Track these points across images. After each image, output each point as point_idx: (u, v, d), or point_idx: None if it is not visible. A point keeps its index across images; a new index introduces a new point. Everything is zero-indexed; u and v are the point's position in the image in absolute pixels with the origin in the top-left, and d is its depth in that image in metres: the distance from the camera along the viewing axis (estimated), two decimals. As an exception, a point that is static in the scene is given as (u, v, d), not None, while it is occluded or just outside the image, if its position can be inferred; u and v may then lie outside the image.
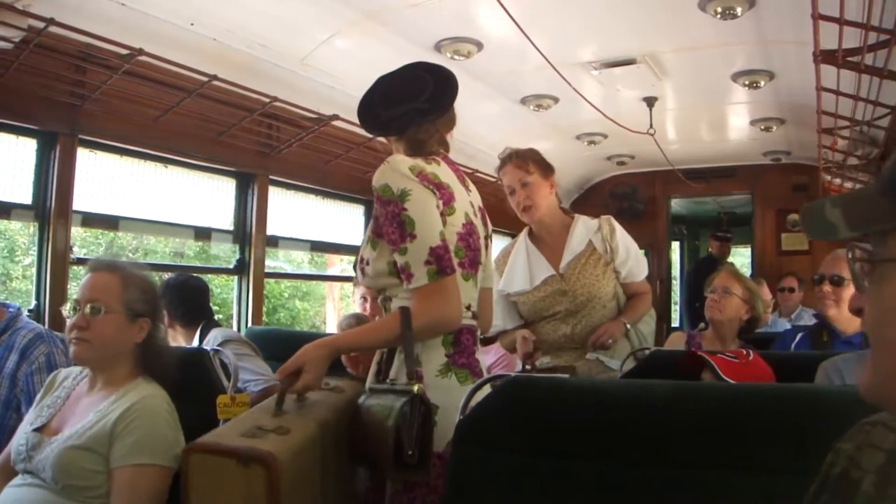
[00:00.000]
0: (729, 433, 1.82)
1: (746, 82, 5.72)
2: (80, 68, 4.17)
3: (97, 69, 4.16)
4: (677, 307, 9.72)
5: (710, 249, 9.51)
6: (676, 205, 10.17)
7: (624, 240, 4.04)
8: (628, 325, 3.98)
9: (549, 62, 4.83)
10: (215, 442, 2.09)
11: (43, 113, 4.16)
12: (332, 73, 5.15)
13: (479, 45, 5.06)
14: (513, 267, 4.13)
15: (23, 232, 8.16)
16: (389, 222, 2.43)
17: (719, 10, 4.37)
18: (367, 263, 2.57)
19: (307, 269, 9.51)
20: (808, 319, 6.93)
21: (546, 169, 3.96)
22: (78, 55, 4.05)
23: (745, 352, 3.05)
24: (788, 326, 6.16)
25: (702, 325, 4.49)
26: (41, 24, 3.62)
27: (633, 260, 4.04)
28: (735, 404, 1.88)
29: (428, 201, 2.47)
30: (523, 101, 6.36)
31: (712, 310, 4.26)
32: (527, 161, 3.89)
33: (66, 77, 4.14)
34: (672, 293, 9.89)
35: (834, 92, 4.38)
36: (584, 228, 4.03)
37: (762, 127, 7.16)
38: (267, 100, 4.88)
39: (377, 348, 2.63)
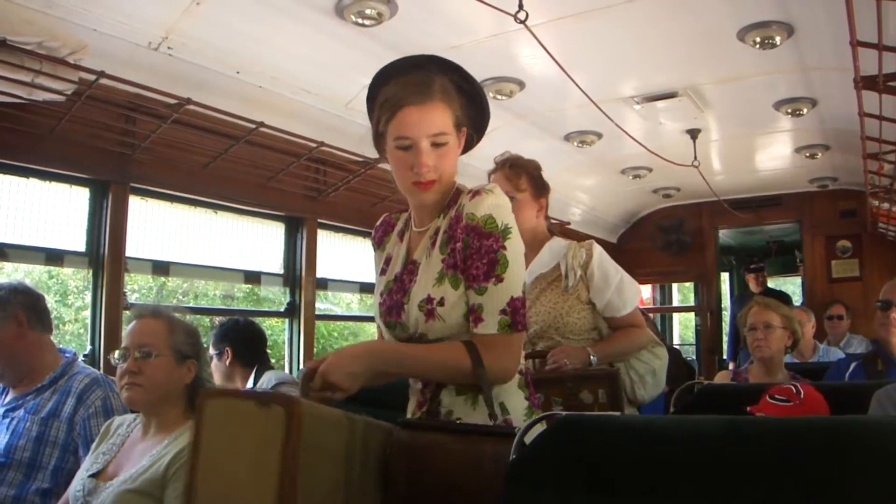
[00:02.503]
0: (781, 468, 1.80)
1: (789, 110, 5.69)
2: (130, 118, 4.26)
3: (147, 119, 4.25)
4: (727, 338, 9.63)
5: (747, 283, 9.40)
6: (724, 235, 10.10)
7: (603, 267, 3.63)
8: (593, 357, 3.53)
9: (590, 99, 4.84)
10: (233, 388, 1.98)
11: (95, 162, 4.26)
12: (378, 116, 5.15)
13: (521, 85, 5.10)
14: None
15: (75, 276, 8.30)
16: (480, 257, 2.20)
17: (758, 40, 4.36)
18: (443, 304, 2.25)
19: (356, 311, 9.49)
20: (856, 346, 6.86)
21: (540, 188, 3.74)
22: (128, 105, 4.14)
23: (793, 388, 2.99)
24: (841, 355, 6.08)
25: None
26: (92, 77, 3.70)
27: (613, 291, 3.62)
28: (786, 439, 1.86)
29: (521, 247, 2.29)
30: (567, 137, 6.38)
31: (759, 349, 4.20)
32: (520, 175, 3.67)
33: (117, 127, 4.24)
34: (722, 325, 9.77)
35: (877, 117, 4.36)
36: (549, 251, 3.72)
37: (807, 154, 7.10)
38: (314, 144, 4.94)
39: (432, 378, 2.33)
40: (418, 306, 2.27)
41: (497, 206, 2.23)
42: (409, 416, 2.41)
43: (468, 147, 2.44)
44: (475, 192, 2.25)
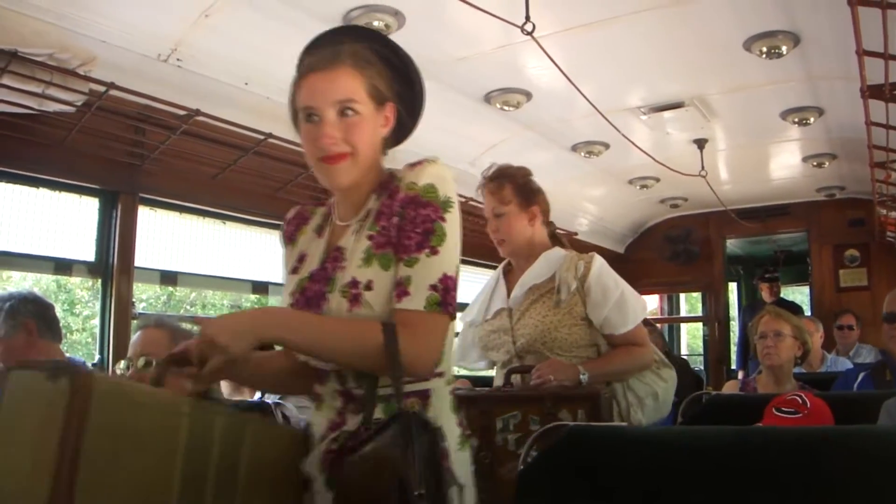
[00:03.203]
0: (789, 477, 1.81)
1: (796, 119, 5.70)
2: (140, 129, 4.29)
3: (156, 130, 4.28)
4: (736, 348, 9.61)
5: (760, 292, 9.38)
6: (732, 245, 10.08)
7: (602, 281, 3.41)
8: (584, 375, 3.26)
9: (597, 109, 4.86)
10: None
11: (104, 173, 4.30)
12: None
13: (528, 95, 5.11)
14: (477, 296, 3.76)
15: (82, 286, 8.34)
16: (414, 227, 1.95)
17: (764, 49, 4.38)
18: (370, 288, 1.94)
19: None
20: (866, 356, 6.85)
21: (527, 196, 3.53)
22: (137, 117, 4.17)
23: (799, 399, 2.98)
24: (849, 364, 6.08)
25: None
26: (102, 88, 3.74)
27: (612, 306, 3.38)
28: (795, 448, 1.87)
29: (458, 225, 2.02)
30: (574, 148, 6.38)
31: (768, 356, 4.20)
32: (503, 187, 3.48)
33: (126, 138, 4.27)
34: (731, 335, 9.77)
35: (884, 126, 4.37)
36: (546, 261, 3.50)
37: (814, 163, 7.11)
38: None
39: (330, 356, 1.96)
40: (341, 292, 1.95)
41: (440, 176, 2.02)
42: (317, 437, 2.03)
43: (403, 132, 2.22)
44: (416, 163, 2.04)
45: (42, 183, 4.21)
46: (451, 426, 2.01)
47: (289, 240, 2.28)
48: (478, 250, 4.87)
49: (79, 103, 3.74)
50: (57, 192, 4.28)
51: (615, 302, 3.39)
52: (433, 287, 1.92)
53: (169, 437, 1.65)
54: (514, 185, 3.52)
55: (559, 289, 3.41)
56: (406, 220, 1.97)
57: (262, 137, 4.51)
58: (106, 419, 1.46)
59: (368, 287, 1.94)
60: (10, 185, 4.13)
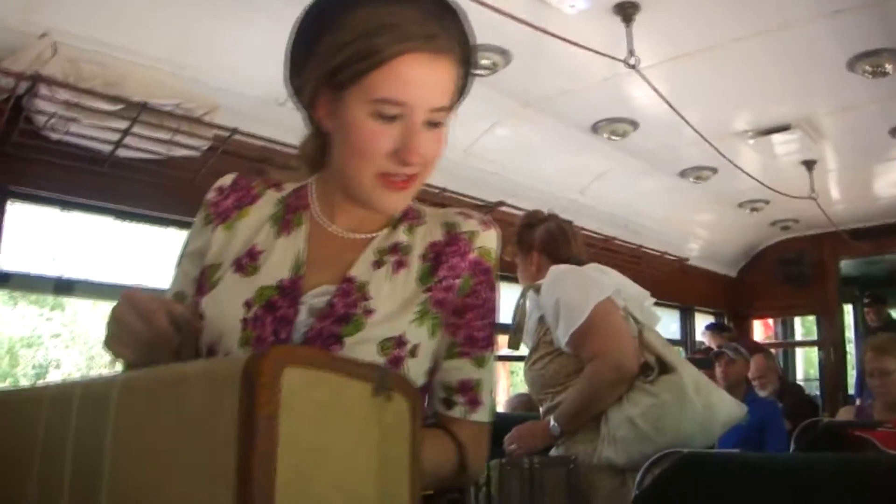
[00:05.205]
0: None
1: (905, 137, 5.64)
2: (261, 170, 4.47)
3: (276, 170, 4.46)
4: (854, 372, 9.39)
5: (866, 318, 9.16)
6: (846, 266, 9.89)
7: (546, 295, 3.05)
8: (554, 428, 2.91)
9: (702, 137, 4.94)
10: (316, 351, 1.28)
11: (230, 212, 4.48)
12: (495, 160, 5.33)
13: (635, 125, 5.22)
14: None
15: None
16: (485, 315, 1.57)
17: (868, 69, 4.39)
18: (415, 354, 1.50)
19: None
20: None
21: (525, 242, 3.38)
22: (258, 158, 4.35)
23: None
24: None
25: None
26: (226, 134, 3.93)
27: (552, 320, 2.99)
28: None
29: None
30: (682, 174, 6.43)
31: (879, 395, 4.17)
32: (505, 245, 2.57)
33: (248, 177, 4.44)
34: (848, 357, 9.57)
35: None
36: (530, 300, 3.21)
37: (926, 180, 6.99)
38: (437, 190, 5.10)
39: None
40: (381, 347, 1.45)
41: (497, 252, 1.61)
42: None
43: None
44: (486, 221, 1.61)
45: (170, 223, 4.40)
46: None
47: (220, 217, 1.64)
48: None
49: (204, 148, 3.94)
50: (183, 230, 4.49)
51: (553, 313, 3.01)
52: (492, 392, 1.58)
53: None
54: (514, 242, 3.41)
55: (524, 325, 3.16)
56: (474, 296, 1.56)
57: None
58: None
59: (414, 353, 1.49)
60: (141, 225, 4.36)
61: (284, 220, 1.61)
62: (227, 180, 1.69)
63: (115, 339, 1.34)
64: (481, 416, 1.53)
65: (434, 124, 1.42)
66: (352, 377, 1.00)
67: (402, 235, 1.58)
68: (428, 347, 1.50)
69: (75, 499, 1.03)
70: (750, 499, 2.05)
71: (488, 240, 1.57)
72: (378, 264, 1.54)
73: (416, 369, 1.48)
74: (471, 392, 1.53)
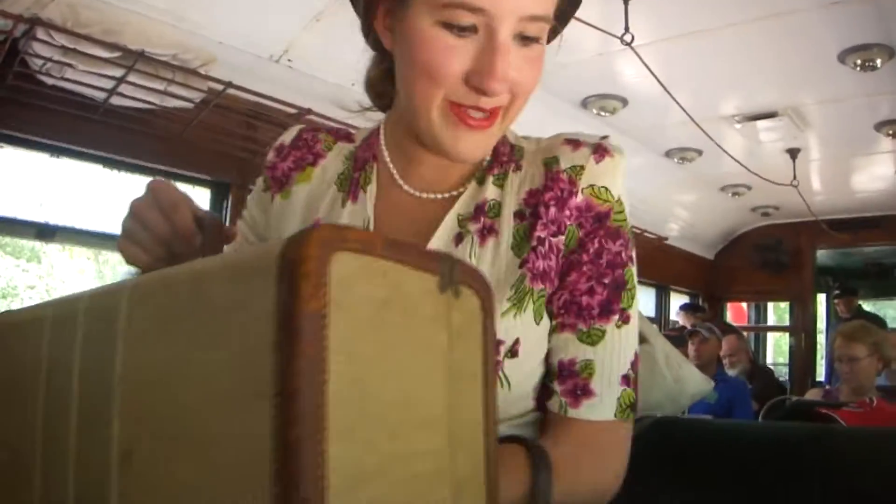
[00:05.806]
0: (859, 473, 1.90)
1: (890, 132, 5.70)
2: (252, 125, 4.47)
3: (267, 126, 4.43)
4: (823, 361, 9.51)
5: (836, 309, 9.28)
6: (822, 256, 9.97)
7: None
8: None
9: (690, 118, 4.97)
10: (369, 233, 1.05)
11: (217, 165, 4.49)
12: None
13: (625, 102, 5.25)
14: None
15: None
16: (601, 274, 1.13)
17: (858, 62, 4.43)
18: (515, 353, 1.09)
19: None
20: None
21: None
22: (250, 114, 4.32)
23: (867, 399, 3.09)
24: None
25: None
26: (220, 87, 3.90)
27: None
28: (860, 445, 1.97)
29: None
30: (667, 154, 6.48)
31: (847, 381, 4.24)
32: None
33: (239, 133, 4.43)
34: (817, 346, 9.69)
35: (977, 140, 4.41)
36: None
37: (908, 176, 7.05)
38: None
39: None
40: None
41: (624, 185, 1.19)
42: None
43: None
44: (600, 149, 1.16)
45: (158, 173, 4.36)
46: None
47: (277, 184, 1.35)
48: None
49: (197, 100, 3.93)
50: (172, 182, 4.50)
51: None
52: (625, 379, 1.12)
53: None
54: None
55: None
56: (581, 251, 1.14)
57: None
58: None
59: (513, 353, 1.09)
60: (129, 175, 4.33)
61: (353, 181, 1.28)
62: (287, 136, 1.39)
63: (129, 238, 1.12)
64: (591, 410, 1.09)
65: (528, 39, 1.06)
66: (414, 267, 0.76)
67: (490, 190, 1.19)
68: (533, 340, 1.11)
69: (85, 426, 0.86)
70: (718, 463, 2.08)
71: (602, 174, 1.16)
72: (460, 238, 1.16)
73: (517, 373, 1.09)
74: (574, 377, 1.10)
